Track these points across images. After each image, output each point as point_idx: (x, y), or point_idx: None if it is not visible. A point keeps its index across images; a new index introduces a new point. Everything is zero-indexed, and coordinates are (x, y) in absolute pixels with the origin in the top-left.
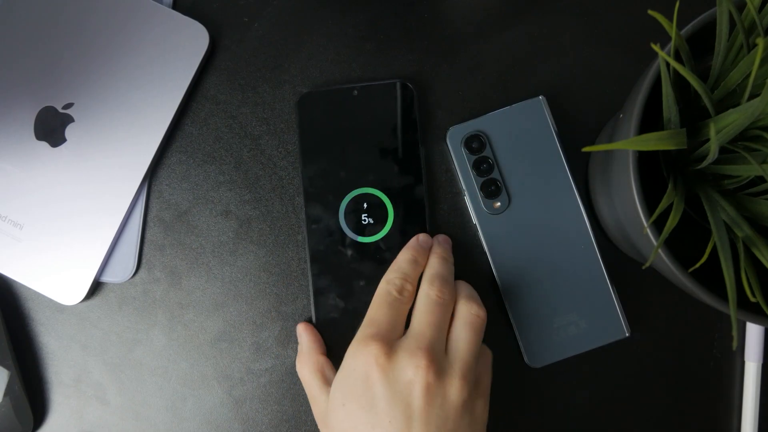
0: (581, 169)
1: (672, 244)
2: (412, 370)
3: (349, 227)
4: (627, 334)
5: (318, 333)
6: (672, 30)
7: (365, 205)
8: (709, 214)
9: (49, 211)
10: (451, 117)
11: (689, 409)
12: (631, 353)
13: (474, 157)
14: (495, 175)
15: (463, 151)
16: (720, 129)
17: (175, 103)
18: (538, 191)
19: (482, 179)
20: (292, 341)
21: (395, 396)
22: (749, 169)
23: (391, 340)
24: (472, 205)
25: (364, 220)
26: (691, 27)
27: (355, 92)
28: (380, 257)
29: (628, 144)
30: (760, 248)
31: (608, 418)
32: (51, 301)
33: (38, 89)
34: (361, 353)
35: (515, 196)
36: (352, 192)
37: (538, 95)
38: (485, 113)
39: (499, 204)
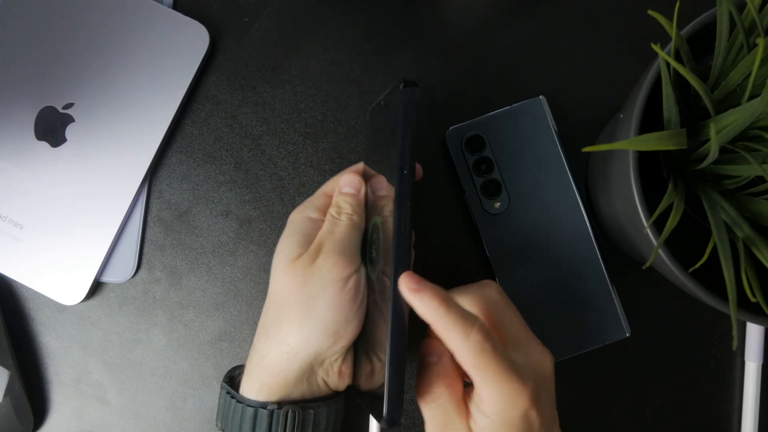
0: (581, 169)
1: (672, 244)
2: None
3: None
4: (627, 334)
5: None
6: (672, 30)
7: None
8: (709, 214)
9: (50, 211)
10: (451, 117)
11: (689, 409)
12: (631, 353)
13: (474, 157)
14: (495, 175)
15: (463, 151)
16: (720, 129)
17: (175, 103)
18: (538, 191)
19: (482, 179)
20: None
21: None
22: (749, 169)
23: None
24: (472, 205)
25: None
26: (691, 27)
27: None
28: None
29: (628, 144)
30: (760, 248)
31: (608, 417)
32: (51, 301)
33: (38, 89)
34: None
35: (515, 196)
36: None
37: (538, 95)
38: (485, 113)
39: (499, 204)
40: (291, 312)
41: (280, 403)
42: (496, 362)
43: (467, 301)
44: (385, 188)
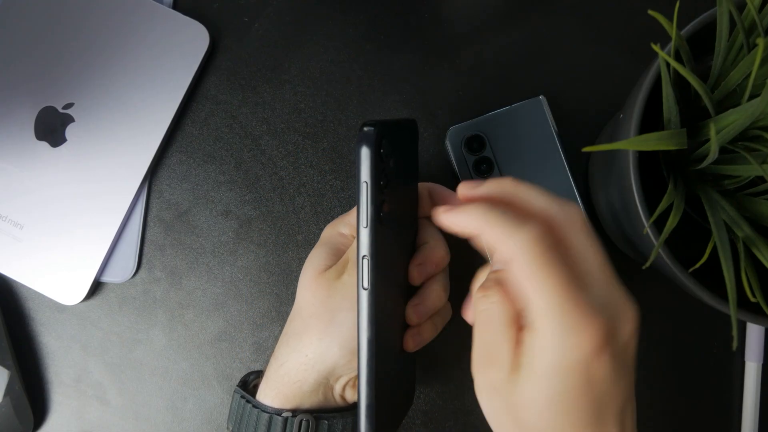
0: (581, 169)
1: (672, 244)
2: None
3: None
4: None
5: None
6: (672, 30)
7: None
8: (709, 214)
9: (50, 211)
10: (451, 117)
11: (689, 409)
12: None
13: (474, 157)
14: (495, 175)
15: (463, 151)
16: (720, 129)
17: (175, 103)
18: None
19: (482, 179)
20: None
21: None
22: (749, 169)
23: None
24: None
25: None
26: (691, 27)
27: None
28: None
29: (628, 144)
30: (760, 248)
31: None
32: (51, 301)
33: (38, 89)
34: None
35: None
36: None
37: (538, 95)
38: (485, 113)
39: None
40: (313, 323)
41: (294, 411)
42: (558, 274)
43: (536, 198)
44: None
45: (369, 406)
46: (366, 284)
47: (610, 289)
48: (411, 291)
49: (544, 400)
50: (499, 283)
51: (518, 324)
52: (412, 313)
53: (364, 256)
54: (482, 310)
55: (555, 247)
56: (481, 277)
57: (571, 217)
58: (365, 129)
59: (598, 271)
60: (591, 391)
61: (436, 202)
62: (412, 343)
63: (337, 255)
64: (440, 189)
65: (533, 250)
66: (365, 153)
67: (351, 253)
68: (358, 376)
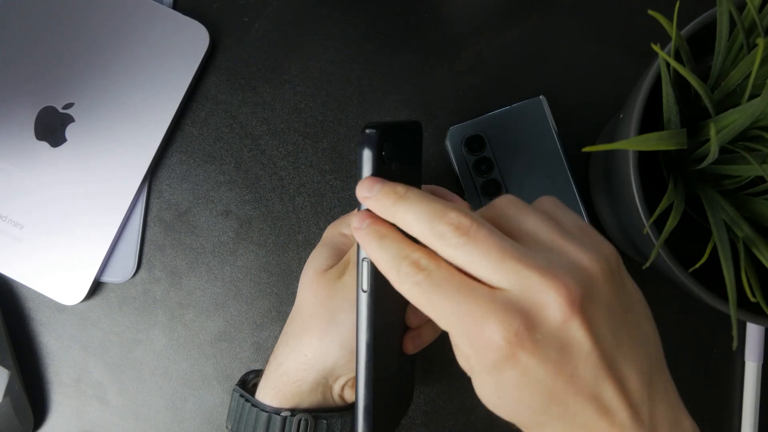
0: (581, 169)
1: (672, 244)
2: None
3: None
4: None
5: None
6: (672, 30)
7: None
8: (709, 214)
9: (50, 211)
10: (451, 117)
11: (689, 409)
12: None
13: (474, 157)
14: (495, 175)
15: (463, 151)
16: (720, 129)
17: (175, 103)
18: (538, 191)
19: (482, 179)
20: None
21: None
22: (749, 169)
23: None
24: (472, 205)
25: None
26: (691, 27)
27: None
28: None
29: (629, 144)
30: (760, 248)
31: None
32: (51, 301)
33: (38, 89)
34: None
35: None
36: None
37: (538, 95)
38: (485, 113)
39: None
40: (313, 323)
41: (293, 411)
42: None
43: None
44: None
45: (366, 408)
46: (366, 287)
47: (515, 280)
48: None
49: (489, 394)
50: None
51: None
52: (412, 316)
53: (364, 258)
54: None
55: (424, 271)
56: None
57: (500, 210)
58: (367, 131)
59: (489, 272)
60: (528, 382)
61: None
62: (412, 345)
63: (339, 255)
64: (443, 192)
65: (412, 296)
66: (367, 155)
67: (352, 254)
68: (356, 379)
